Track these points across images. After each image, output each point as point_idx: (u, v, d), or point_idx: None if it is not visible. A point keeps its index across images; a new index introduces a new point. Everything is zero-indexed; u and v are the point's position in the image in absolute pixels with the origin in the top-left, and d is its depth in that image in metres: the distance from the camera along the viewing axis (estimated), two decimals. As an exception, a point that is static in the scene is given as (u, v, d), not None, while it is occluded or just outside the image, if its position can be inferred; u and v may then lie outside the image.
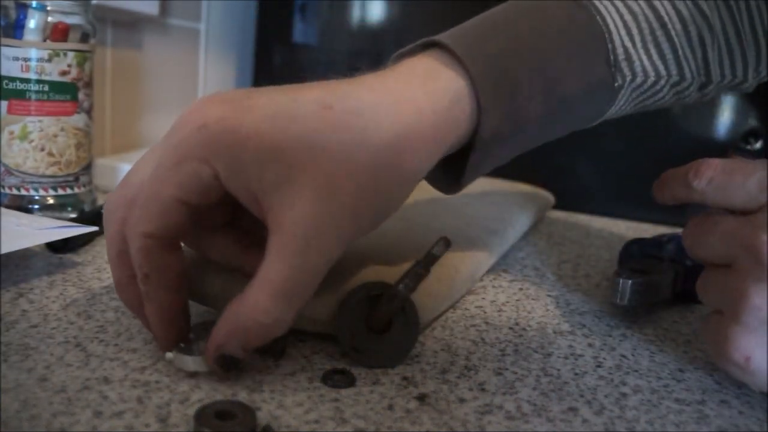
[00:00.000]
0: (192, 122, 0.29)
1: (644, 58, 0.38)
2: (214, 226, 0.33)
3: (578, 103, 0.37)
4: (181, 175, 0.28)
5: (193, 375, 0.30)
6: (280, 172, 0.28)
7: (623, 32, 0.38)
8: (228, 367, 0.29)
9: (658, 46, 0.39)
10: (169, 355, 0.30)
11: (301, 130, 0.28)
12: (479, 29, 0.35)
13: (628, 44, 0.38)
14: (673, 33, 0.39)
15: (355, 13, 0.79)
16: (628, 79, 0.38)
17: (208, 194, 0.29)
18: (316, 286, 0.29)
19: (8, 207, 0.49)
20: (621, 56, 0.37)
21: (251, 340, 0.29)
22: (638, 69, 0.38)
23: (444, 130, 0.32)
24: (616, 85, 0.38)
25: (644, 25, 0.38)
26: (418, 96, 0.32)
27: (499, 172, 0.38)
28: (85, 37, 0.51)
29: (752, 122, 0.69)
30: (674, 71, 0.40)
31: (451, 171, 0.37)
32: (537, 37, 0.36)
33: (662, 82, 0.39)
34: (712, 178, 0.32)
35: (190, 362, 0.30)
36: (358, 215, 0.29)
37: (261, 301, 0.28)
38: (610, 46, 0.37)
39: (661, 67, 0.39)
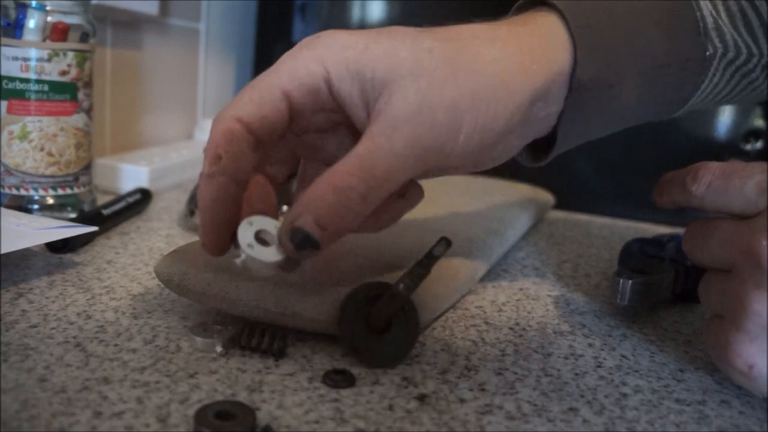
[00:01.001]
0: (309, 36, 0.31)
1: (734, 32, 0.37)
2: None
3: (671, 73, 0.36)
4: (293, 68, 0.30)
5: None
6: (392, 70, 0.29)
7: (710, 6, 0.37)
8: (301, 244, 0.28)
9: (748, 24, 0.37)
10: (237, 260, 0.29)
11: (407, 37, 0.31)
12: None
13: (717, 16, 0.36)
14: (762, 10, 0.37)
15: (355, 13, 0.79)
16: (720, 50, 0.37)
17: (311, 95, 0.30)
18: (391, 178, 0.29)
19: (8, 207, 0.49)
20: (710, 25, 0.36)
21: (326, 212, 0.28)
22: (730, 42, 0.37)
23: (542, 60, 0.32)
24: (707, 54, 0.36)
25: (732, 1, 0.37)
26: (512, 30, 0.32)
27: (499, 172, 0.38)
28: (84, 37, 0.51)
29: (753, 122, 0.69)
30: (765, 51, 0.38)
31: (540, 148, 0.37)
32: (628, 4, 0.35)
33: (754, 60, 0.38)
34: (710, 183, 0.32)
35: (265, 253, 0.28)
36: (456, 116, 0.30)
37: (342, 170, 0.28)
38: (698, 14, 0.36)
39: (752, 45, 0.37)
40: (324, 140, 0.34)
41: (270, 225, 0.30)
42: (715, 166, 0.33)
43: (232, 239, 0.30)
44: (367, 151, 0.29)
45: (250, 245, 0.29)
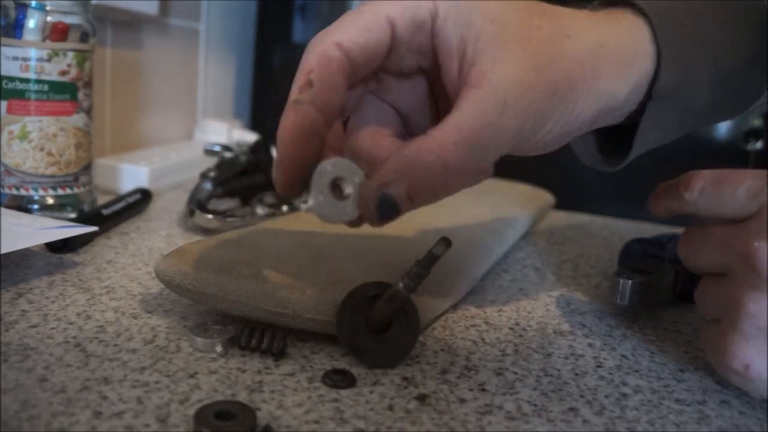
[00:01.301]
0: None
1: None
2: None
3: (743, 74, 0.36)
4: (403, 1, 0.28)
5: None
6: (499, 33, 0.28)
7: None
8: (386, 213, 0.26)
9: None
10: (305, 205, 0.26)
11: (519, 7, 0.29)
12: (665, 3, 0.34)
13: None
14: None
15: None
16: None
17: (415, 29, 0.28)
18: (491, 160, 0.28)
19: (8, 207, 0.49)
20: None
21: (421, 184, 0.26)
22: None
23: (628, 60, 0.31)
24: None
25: None
26: (602, 26, 0.31)
27: (499, 173, 0.38)
28: (84, 37, 0.51)
29: (753, 122, 0.69)
30: None
31: (614, 148, 0.36)
32: (701, 5, 0.34)
33: None
34: (702, 189, 0.33)
35: (334, 208, 0.26)
36: (553, 102, 0.29)
37: (445, 140, 0.26)
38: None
39: None
40: (400, 84, 0.32)
41: (352, 174, 0.27)
42: (706, 173, 0.33)
43: (308, 180, 0.27)
44: (480, 127, 0.27)
45: (321, 194, 0.26)
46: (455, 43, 0.28)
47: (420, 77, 0.32)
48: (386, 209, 0.27)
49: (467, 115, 0.27)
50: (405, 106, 0.33)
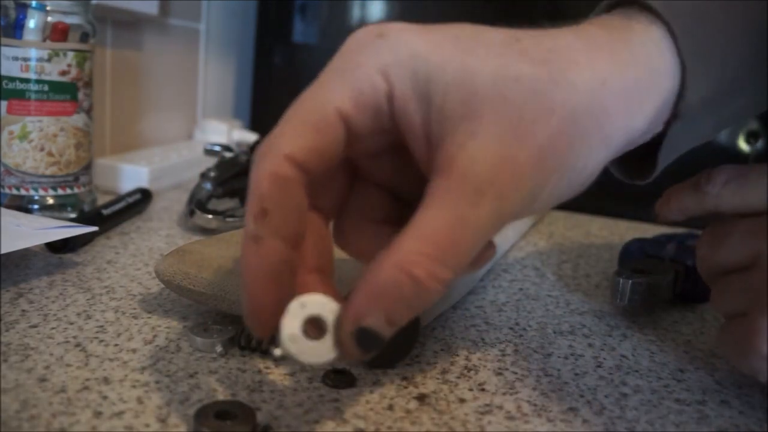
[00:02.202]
0: (369, 33, 0.25)
1: None
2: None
3: None
4: (352, 83, 0.24)
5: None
6: (467, 100, 0.23)
7: None
8: (368, 346, 0.23)
9: None
10: (278, 351, 0.24)
11: (490, 55, 0.24)
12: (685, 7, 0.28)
13: None
14: None
15: (355, 13, 0.79)
16: None
17: (372, 115, 0.24)
18: (477, 249, 0.24)
19: (8, 207, 0.49)
20: None
21: (398, 307, 0.23)
22: None
23: (644, 87, 0.26)
24: None
25: None
26: (603, 55, 0.25)
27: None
28: (84, 37, 0.51)
29: (753, 122, 0.69)
30: None
31: (638, 162, 0.32)
32: (721, 4, 0.29)
33: None
34: (726, 181, 0.32)
35: (310, 350, 0.23)
36: (544, 171, 0.24)
37: (410, 252, 0.22)
38: None
39: None
40: (378, 163, 0.28)
41: (328, 309, 0.24)
42: (728, 167, 0.32)
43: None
44: (449, 225, 0.23)
45: (292, 338, 0.23)
46: (419, 123, 0.24)
47: (395, 151, 0.28)
48: (368, 343, 0.23)
49: (432, 215, 0.23)
50: (388, 182, 0.29)
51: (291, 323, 0.24)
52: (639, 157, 0.31)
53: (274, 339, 0.29)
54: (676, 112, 0.28)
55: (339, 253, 0.29)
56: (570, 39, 0.25)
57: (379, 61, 0.24)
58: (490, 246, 0.28)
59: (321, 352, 0.24)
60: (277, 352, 0.24)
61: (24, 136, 0.50)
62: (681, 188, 0.35)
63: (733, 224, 0.32)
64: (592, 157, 0.25)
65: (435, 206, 0.23)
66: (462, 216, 0.23)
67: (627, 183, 0.33)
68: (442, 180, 0.23)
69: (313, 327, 0.24)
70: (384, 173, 0.29)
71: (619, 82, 0.25)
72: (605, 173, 0.41)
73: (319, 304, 0.24)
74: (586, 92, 0.24)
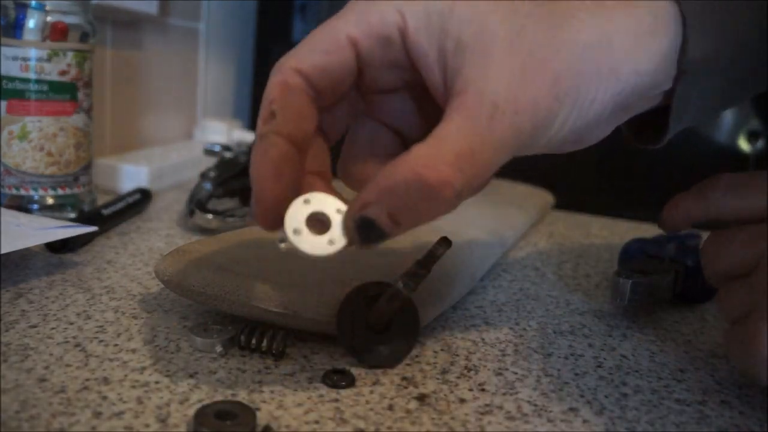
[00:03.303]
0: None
1: None
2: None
3: None
4: (364, 15, 0.26)
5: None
6: (481, 36, 0.25)
7: None
8: (367, 237, 0.24)
9: None
10: (283, 245, 0.25)
11: (505, 5, 0.26)
12: None
13: None
14: None
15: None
16: None
17: (382, 46, 0.26)
18: (493, 167, 0.25)
19: (8, 207, 0.49)
20: None
21: (404, 205, 0.24)
22: None
23: (647, 30, 0.27)
24: None
25: None
26: (608, 5, 0.27)
27: (499, 172, 0.38)
28: (84, 37, 0.51)
29: (753, 122, 0.69)
30: None
31: (650, 128, 0.33)
32: None
33: None
34: (728, 188, 0.32)
35: (312, 243, 0.25)
36: (558, 98, 0.25)
37: (426, 157, 0.24)
38: None
39: None
40: (387, 100, 0.30)
41: (330, 206, 0.26)
42: (730, 174, 0.33)
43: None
44: (466, 138, 0.24)
45: (297, 231, 0.25)
46: (433, 55, 0.26)
47: (407, 91, 0.30)
48: (366, 232, 0.24)
49: (452, 125, 0.24)
50: (397, 122, 0.31)
51: (295, 217, 0.25)
52: (655, 128, 0.32)
53: (274, 336, 0.29)
54: (681, 69, 0.29)
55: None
56: None
57: (394, 3, 0.26)
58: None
59: (322, 245, 0.25)
60: (282, 245, 0.25)
61: (24, 136, 0.50)
62: (685, 196, 0.35)
63: (736, 230, 0.32)
64: (601, 90, 0.27)
65: (453, 120, 0.24)
66: (480, 128, 0.24)
67: (619, 181, 0.33)
68: (460, 99, 0.25)
69: (317, 223, 0.25)
70: (393, 113, 0.30)
71: (624, 22, 0.27)
72: (605, 174, 0.41)
73: (321, 201, 0.26)
74: (594, 27, 0.26)
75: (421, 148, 0.24)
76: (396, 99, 0.30)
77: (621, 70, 0.27)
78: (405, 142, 0.31)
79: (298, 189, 0.26)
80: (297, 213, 0.25)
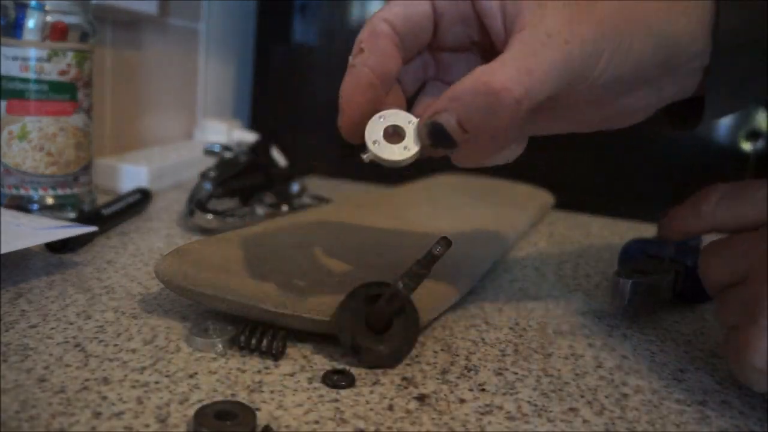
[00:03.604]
0: None
1: None
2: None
3: None
4: None
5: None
6: None
7: None
8: (438, 139, 0.28)
9: None
10: (364, 155, 0.29)
11: None
12: None
13: None
14: None
15: (355, 13, 0.79)
16: None
17: (455, 2, 0.31)
18: (543, 90, 0.28)
19: (8, 207, 0.49)
20: None
21: (471, 110, 0.28)
22: None
23: (683, 4, 0.31)
24: None
25: None
26: None
27: (499, 172, 0.38)
28: (84, 37, 0.51)
29: (753, 122, 0.69)
30: None
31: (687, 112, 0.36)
32: None
33: None
34: (720, 200, 0.33)
35: (389, 150, 0.29)
36: (602, 38, 0.29)
37: (494, 70, 0.27)
38: None
39: None
40: (456, 60, 0.34)
41: (403, 119, 0.29)
42: (722, 185, 0.33)
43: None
44: (524, 58, 0.28)
45: (375, 142, 0.29)
46: (495, 5, 0.31)
47: (473, 53, 0.34)
48: (437, 136, 0.28)
49: (511, 50, 0.28)
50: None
51: (373, 130, 0.29)
52: (694, 114, 0.35)
53: (274, 336, 0.30)
54: (715, 42, 0.31)
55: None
56: None
57: None
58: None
59: (398, 151, 0.29)
60: (364, 156, 0.29)
61: (24, 136, 0.50)
62: (680, 210, 0.36)
63: (729, 239, 0.33)
64: (636, 39, 0.30)
65: (513, 47, 0.29)
66: (535, 50, 0.28)
67: (619, 181, 0.34)
68: (518, 34, 0.29)
69: (393, 135, 0.29)
70: (460, 73, 0.32)
71: None
72: (605, 174, 0.41)
73: (395, 115, 0.30)
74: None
75: (485, 66, 0.28)
76: (462, 61, 0.34)
77: (653, 24, 0.30)
78: None
79: (376, 111, 0.30)
80: (374, 127, 0.29)
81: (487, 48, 0.33)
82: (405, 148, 0.29)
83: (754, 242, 0.31)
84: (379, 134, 0.29)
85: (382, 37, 0.31)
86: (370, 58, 0.30)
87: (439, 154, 0.30)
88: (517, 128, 0.32)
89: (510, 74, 0.27)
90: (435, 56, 0.35)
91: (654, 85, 0.33)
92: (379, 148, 0.29)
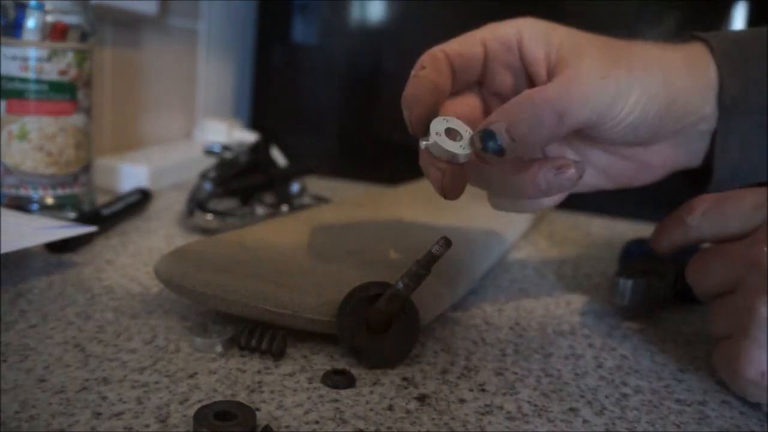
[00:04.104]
0: (507, 22, 0.37)
1: None
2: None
3: None
4: (493, 26, 0.37)
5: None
6: (576, 44, 0.35)
7: None
8: (488, 144, 0.31)
9: None
10: (424, 142, 0.32)
11: (589, 34, 0.37)
12: (722, 32, 0.40)
13: None
14: None
15: (355, 13, 0.79)
16: None
17: (503, 49, 0.37)
18: (578, 113, 0.33)
19: (8, 207, 0.49)
20: None
21: (518, 120, 0.31)
22: None
23: (693, 64, 0.37)
24: None
25: None
26: (671, 47, 0.38)
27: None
28: (84, 37, 0.51)
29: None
30: None
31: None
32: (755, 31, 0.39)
33: None
34: (705, 211, 0.34)
35: (448, 143, 0.32)
36: (630, 81, 0.34)
37: (539, 90, 0.33)
38: None
39: None
40: (497, 103, 0.38)
41: (461, 126, 0.33)
42: (706, 196, 0.34)
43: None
44: (563, 85, 0.33)
45: (438, 133, 0.32)
46: (541, 56, 0.36)
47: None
48: (488, 141, 0.31)
49: (552, 83, 0.34)
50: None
51: (437, 126, 0.33)
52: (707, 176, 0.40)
53: (274, 336, 0.30)
54: (721, 107, 0.37)
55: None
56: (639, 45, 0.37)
57: (513, 22, 0.37)
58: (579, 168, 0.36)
59: (455, 145, 0.32)
60: (424, 143, 0.32)
61: (23, 136, 0.49)
62: (667, 222, 0.36)
63: (715, 250, 0.33)
64: (660, 89, 0.35)
65: (556, 79, 0.34)
66: (573, 81, 0.33)
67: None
68: (562, 70, 0.34)
69: (452, 135, 0.33)
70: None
71: (675, 57, 0.37)
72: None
73: (455, 122, 0.33)
74: (656, 54, 0.36)
75: (532, 90, 0.33)
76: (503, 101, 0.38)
77: (674, 81, 0.36)
78: None
79: (437, 113, 0.34)
80: (438, 124, 0.33)
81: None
82: (461, 146, 0.32)
83: (740, 249, 0.31)
84: (441, 131, 0.32)
85: (440, 60, 0.35)
86: (431, 72, 0.34)
87: (488, 165, 0.32)
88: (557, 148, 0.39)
89: (553, 93, 0.32)
90: (484, 100, 0.39)
91: (670, 142, 0.38)
92: (441, 138, 0.32)
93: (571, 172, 0.33)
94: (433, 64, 0.35)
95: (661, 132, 0.37)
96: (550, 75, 0.36)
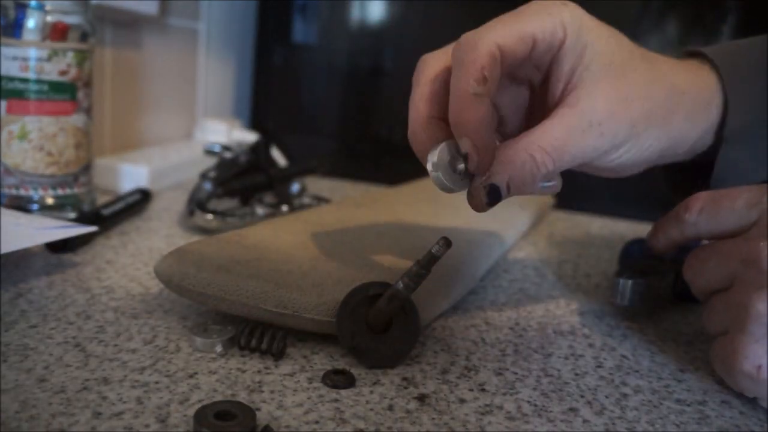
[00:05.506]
0: (553, 6, 0.34)
1: None
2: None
3: None
4: (542, 21, 0.32)
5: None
6: (603, 69, 0.33)
7: None
8: (493, 200, 0.33)
9: None
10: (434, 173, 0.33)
11: (629, 49, 0.35)
12: (729, 46, 0.40)
13: None
14: None
15: (355, 13, 0.79)
16: None
17: (546, 52, 0.33)
18: (568, 164, 0.33)
19: (8, 207, 0.49)
20: None
21: (517, 175, 0.32)
22: None
23: (702, 108, 0.37)
24: None
25: None
26: (686, 75, 0.37)
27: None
28: (84, 37, 0.51)
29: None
30: None
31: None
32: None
33: None
34: (701, 208, 0.34)
35: (459, 181, 0.33)
36: (629, 134, 0.34)
37: (539, 144, 0.32)
38: None
39: None
40: (510, 87, 0.37)
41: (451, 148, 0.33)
42: (703, 194, 0.34)
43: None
44: (562, 137, 0.32)
45: (435, 165, 0.33)
46: (566, 70, 0.34)
47: (525, 88, 0.37)
48: (494, 196, 0.32)
49: (556, 126, 0.33)
50: (506, 108, 0.38)
51: (436, 157, 0.33)
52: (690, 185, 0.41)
53: (274, 336, 0.30)
54: (723, 137, 0.37)
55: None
56: (667, 58, 0.37)
57: (564, 13, 0.33)
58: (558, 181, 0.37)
59: (455, 182, 0.33)
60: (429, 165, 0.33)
61: (23, 136, 0.49)
62: (665, 220, 0.37)
63: (712, 247, 0.33)
64: (656, 141, 0.35)
65: (557, 123, 0.33)
66: (573, 135, 0.33)
67: (619, 181, 0.41)
68: (568, 109, 0.33)
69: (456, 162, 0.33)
70: (508, 99, 0.38)
71: (691, 97, 0.36)
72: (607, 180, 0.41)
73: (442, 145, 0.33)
74: (669, 95, 0.35)
75: (532, 134, 0.33)
76: (516, 90, 0.37)
77: (673, 132, 0.36)
78: (501, 125, 0.39)
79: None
80: (434, 155, 0.33)
81: (538, 93, 0.37)
82: (461, 178, 0.33)
83: (735, 246, 0.31)
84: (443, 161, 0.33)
85: (499, 68, 0.32)
86: (492, 89, 0.31)
87: (482, 210, 0.33)
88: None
89: (546, 149, 0.32)
90: (494, 106, 0.37)
91: (651, 163, 0.38)
92: (442, 174, 0.33)
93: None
94: (494, 74, 0.31)
95: (645, 164, 0.37)
96: (564, 92, 0.34)
